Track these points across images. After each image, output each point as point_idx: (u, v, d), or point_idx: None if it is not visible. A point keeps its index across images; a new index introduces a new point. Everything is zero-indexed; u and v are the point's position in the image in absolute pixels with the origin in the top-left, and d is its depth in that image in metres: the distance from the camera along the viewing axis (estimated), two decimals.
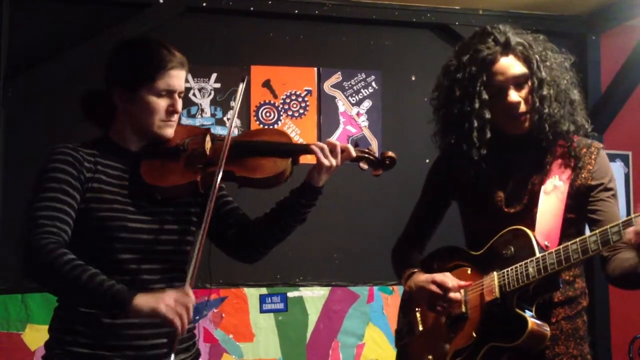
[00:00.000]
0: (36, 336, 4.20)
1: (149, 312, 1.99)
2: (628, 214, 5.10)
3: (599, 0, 4.82)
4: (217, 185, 2.20)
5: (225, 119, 4.61)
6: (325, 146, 2.35)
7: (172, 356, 2.03)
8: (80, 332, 2.18)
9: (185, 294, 2.03)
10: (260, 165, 2.32)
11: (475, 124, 2.29)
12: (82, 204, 2.18)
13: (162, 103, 2.27)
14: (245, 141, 2.39)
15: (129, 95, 2.26)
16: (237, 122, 4.61)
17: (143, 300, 1.99)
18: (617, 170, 5.07)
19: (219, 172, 2.21)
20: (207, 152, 2.31)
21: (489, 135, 2.30)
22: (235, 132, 4.50)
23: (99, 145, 2.31)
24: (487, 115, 2.28)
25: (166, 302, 2.00)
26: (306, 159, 2.40)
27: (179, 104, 2.30)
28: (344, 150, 2.36)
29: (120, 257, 2.19)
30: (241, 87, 2.40)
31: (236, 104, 2.39)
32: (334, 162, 2.34)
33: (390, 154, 2.42)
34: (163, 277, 2.26)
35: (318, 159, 2.34)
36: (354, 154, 2.38)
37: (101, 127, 2.38)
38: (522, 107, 2.29)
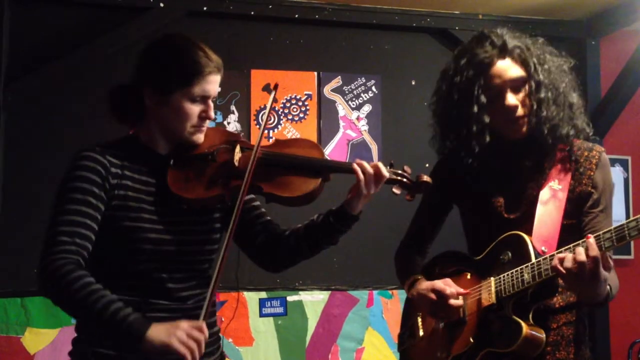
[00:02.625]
0: (35, 340, 4.21)
1: (161, 347, 1.94)
2: (627, 219, 5.10)
3: (598, 5, 4.83)
4: (241, 204, 2.11)
5: (225, 122, 4.61)
6: (368, 167, 2.20)
7: None
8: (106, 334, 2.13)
9: (198, 328, 1.98)
10: (290, 183, 2.20)
11: (474, 129, 2.27)
12: (107, 210, 2.11)
13: (195, 109, 2.17)
14: (276, 153, 2.25)
15: (160, 97, 2.16)
16: (237, 126, 4.62)
17: (156, 335, 1.94)
18: (616, 175, 5.07)
19: (244, 190, 2.12)
20: (236, 164, 2.20)
21: (487, 139, 2.27)
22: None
23: (127, 145, 2.22)
24: (486, 120, 2.27)
25: (178, 336, 1.94)
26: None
27: (212, 109, 2.20)
28: (378, 174, 2.21)
29: (143, 267, 2.14)
30: (272, 96, 2.30)
31: (267, 112, 2.33)
32: (373, 189, 2.23)
33: (425, 178, 2.27)
34: (188, 285, 2.21)
35: (359, 187, 2.20)
36: (387, 175, 2.23)
37: (128, 125, 2.29)
38: (520, 111, 2.27)
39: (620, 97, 5.00)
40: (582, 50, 5.04)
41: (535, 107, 2.26)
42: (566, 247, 2.08)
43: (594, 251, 1.97)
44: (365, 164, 2.22)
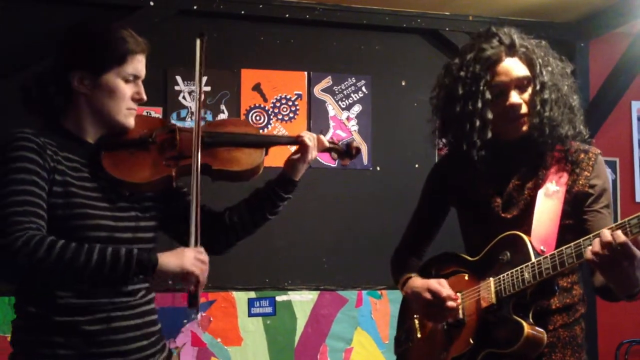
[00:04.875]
0: None
1: (176, 269, 2.01)
2: (615, 220, 5.14)
3: (587, 7, 4.85)
4: (199, 174, 2.15)
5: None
6: (313, 137, 2.40)
7: (199, 314, 2.05)
8: (59, 343, 2.04)
9: (200, 252, 2.07)
10: (235, 158, 2.30)
11: (478, 124, 2.27)
12: (50, 197, 2.03)
13: (128, 89, 2.16)
14: (216, 132, 2.33)
15: (92, 79, 2.13)
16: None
17: (167, 260, 2.01)
18: None
19: (196, 162, 2.15)
20: (178, 144, 2.23)
21: (489, 135, 2.28)
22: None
23: (54, 133, 2.14)
24: (489, 116, 2.27)
25: (189, 257, 2.02)
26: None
27: (143, 91, 2.20)
28: (319, 141, 2.42)
29: None
30: (198, 44, 2.28)
31: (197, 70, 2.27)
32: (315, 155, 2.40)
33: (355, 144, 2.54)
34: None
35: (305, 152, 2.37)
36: (327, 144, 2.45)
37: (48, 116, 2.19)
38: (523, 110, 2.28)
39: (608, 99, 5.04)
40: (571, 53, 5.04)
41: (538, 107, 2.27)
42: (567, 246, 2.09)
43: (620, 237, 1.93)
44: (307, 133, 2.41)
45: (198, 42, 2.28)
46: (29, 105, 2.19)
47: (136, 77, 2.18)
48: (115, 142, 2.19)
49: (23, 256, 1.90)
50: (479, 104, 2.26)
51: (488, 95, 2.27)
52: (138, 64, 2.18)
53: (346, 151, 2.52)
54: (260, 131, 2.51)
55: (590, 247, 1.99)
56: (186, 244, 2.26)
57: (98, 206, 2.11)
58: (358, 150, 2.54)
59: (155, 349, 2.23)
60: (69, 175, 2.08)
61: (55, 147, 2.09)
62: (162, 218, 2.32)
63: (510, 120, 2.29)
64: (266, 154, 2.36)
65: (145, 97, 2.21)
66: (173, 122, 2.42)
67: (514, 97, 2.27)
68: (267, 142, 2.39)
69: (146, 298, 2.23)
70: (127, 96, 2.16)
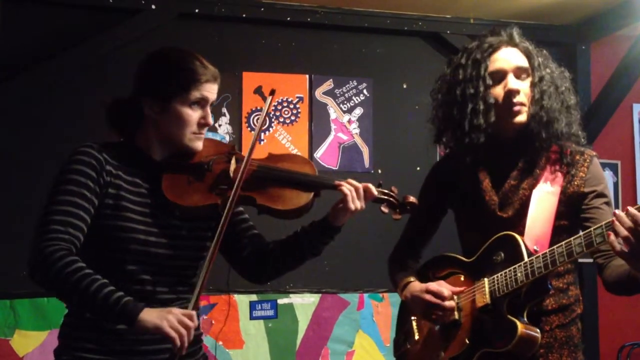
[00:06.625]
0: (24, 342, 4.19)
1: (153, 329, 2.02)
2: None
3: (588, 9, 4.85)
4: (230, 212, 2.16)
5: (217, 124, 4.60)
6: (354, 187, 2.29)
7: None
8: (87, 338, 2.19)
9: (188, 316, 2.05)
10: (282, 196, 2.28)
11: (481, 107, 2.30)
12: (99, 208, 2.17)
13: (194, 115, 2.24)
14: (269, 167, 2.33)
15: (160, 105, 2.24)
16: (229, 128, 4.62)
17: (149, 317, 2.02)
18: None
19: (233, 198, 2.17)
20: (232, 175, 2.26)
21: (493, 119, 2.30)
22: (227, 138, 4.51)
23: (123, 149, 2.29)
24: (492, 100, 2.30)
25: (170, 320, 2.02)
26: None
27: (210, 116, 2.28)
28: (367, 191, 2.31)
29: (129, 267, 2.19)
30: (269, 100, 2.38)
31: (260, 120, 2.42)
32: (359, 205, 2.30)
33: (412, 199, 2.36)
34: (173, 289, 2.27)
35: (346, 202, 2.28)
36: (375, 194, 2.33)
37: (125, 134, 2.35)
38: (521, 97, 2.30)
39: (610, 102, 5.03)
40: (572, 55, 5.08)
41: (537, 96, 2.30)
42: (558, 245, 2.09)
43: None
44: (354, 182, 2.31)
45: (269, 99, 2.36)
46: (112, 126, 2.35)
47: (203, 101, 2.25)
48: (177, 164, 2.29)
49: (45, 261, 2.03)
50: (481, 87, 2.31)
51: (489, 81, 2.31)
52: (204, 92, 2.24)
53: (401, 204, 2.35)
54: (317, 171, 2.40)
55: (613, 237, 1.92)
56: (230, 260, 2.47)
57: (143, 221, 2.21)
58: (414, 205, 2.36)
59: (191, 350, 2.24)
60: (123, 189, 2.21)
61: (117, 161, 2.23)
62: (212, 238, 2.34)
63: (509, 106, 2.30)
64: (317, 195, 2.30)
65: (211, 122, 2.29)
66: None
67: (513, 81, 2.31)
68: (315, 186, 2.30)
69: (179, 303, 2.28)
70: (192, 122, 2.25)
